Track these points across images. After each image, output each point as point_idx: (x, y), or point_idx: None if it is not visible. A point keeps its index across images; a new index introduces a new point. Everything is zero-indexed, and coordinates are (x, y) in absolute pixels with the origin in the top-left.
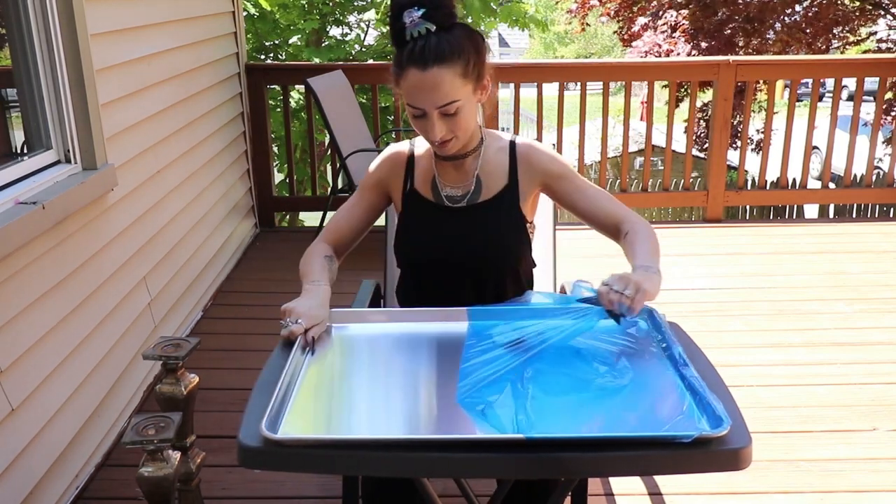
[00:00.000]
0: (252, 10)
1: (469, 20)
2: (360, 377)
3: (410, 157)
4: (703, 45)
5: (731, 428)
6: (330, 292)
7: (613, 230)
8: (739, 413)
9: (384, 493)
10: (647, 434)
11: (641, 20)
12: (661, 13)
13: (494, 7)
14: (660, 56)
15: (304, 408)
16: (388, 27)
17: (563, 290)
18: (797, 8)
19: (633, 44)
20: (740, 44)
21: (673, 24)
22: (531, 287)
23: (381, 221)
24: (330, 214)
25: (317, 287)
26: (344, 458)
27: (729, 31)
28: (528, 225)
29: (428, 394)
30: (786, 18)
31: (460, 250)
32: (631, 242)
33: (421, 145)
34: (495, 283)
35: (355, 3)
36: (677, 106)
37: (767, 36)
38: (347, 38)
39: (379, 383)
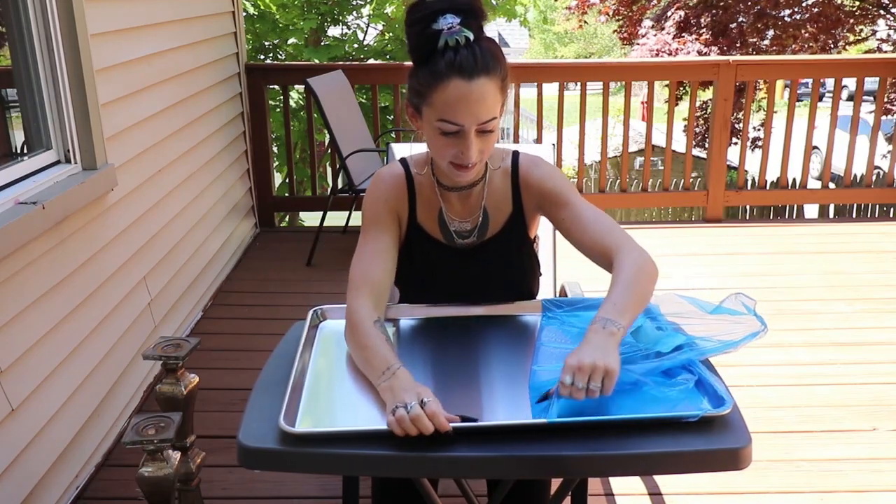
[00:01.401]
0: (251, 11)
1: None
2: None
3: (410, 183)
4: (713, 43)
5: (732, 407)
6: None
7: (605, 261)
8: (740, 413)
9: (394, 493)
10: (656, 415)
11: (648, 23)
12: (666, 13)
13: (494, 2)
14: (669, 55)
15: (316, 404)
16: (382, 24)
17: (563, 292)
18: (800, 7)
19: (641, 40)
20: (748, 41)
21: (681, 23)
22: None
23: None
24: (330, 215)
25: (402, 372)
26: (344, 459)
27: (736, 29)
28: (534, 245)
29: (441, 390)
30: (786, 18)
31: (473, 294)
32: (613, 277)
33: (417, 170)
34: None
35: (353, 3)
36: (676, 104)
37: (767, 34)
38: (346, 38)
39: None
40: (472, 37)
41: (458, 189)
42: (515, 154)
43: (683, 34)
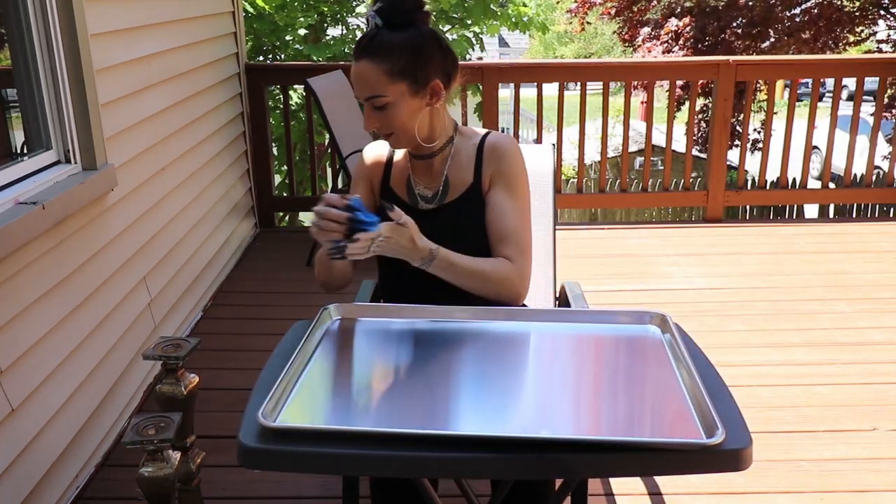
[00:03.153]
0: (250, 10)
1: (469, 22)
2: (366, 373)
3: (390, 155)
4: (705, 51)
5: (727, 433)
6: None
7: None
8: (740, 414)
9: (394, 492)
10: (646, 440)
11: (645, 30)
12: (663, 22)
13: (495, 9)
14: None
15: (306, 401)
16: None
17: (562, 292)
18: (797, 10)
19: (637, 54)
20: (742, 47)
21: (676, 32)
22: None
23: None
24: None
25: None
26: (343, 458)
27: (731, 37)
28: None
29: (432, 391)
30: (786, 22)
31: None
32: (481, 258)
33: None
34: None
35: (353, 3)
36: (678, 109)
37: (768, 40)
38: (345, 38)
39: (384, 379)
40: (381, 23)
41: (421, 157)
42: (488, 132)
43: (674, 49)
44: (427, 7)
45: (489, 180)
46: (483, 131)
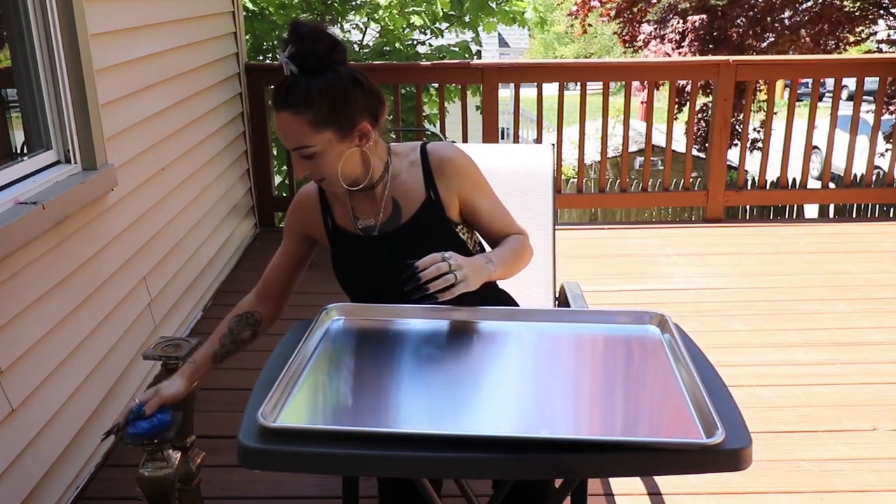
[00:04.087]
0: (250, 6)
1: (468, 19)
2: (366, 373)
3: (322, 196)
4: (712, 52)
5: (727, 433)
6: (188, 376)
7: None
8: (740, 414)
9: (399, 492)
10: (646, 439)
11: (647, 28)
12: (666, 19)
13: (493, 6)
14: None
15: (306, 401)
16: (379, 26)
17: (562, 292)
18: (799, 9)
19: (642, 53)
20: (747, 43)
21: (681, 30)
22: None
23: None
24: None
25: (179, 373)
26: (343, 458)
27: (732, 34)
28: (458, 228)
29: (432, 391)
30: (786, 21)
31: (393, 278)
32: (504, 240)
33: None
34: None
35: (351, 4)
36: (679, 111)
37: (768, 39)
38: (343, 38)
39: (384, 379)
40: (295, 70)
41: (360, 190)
42: (424, 145)
43: (683, 45)
44: (342, 46)
45: (457, 197)
46: (416, 144)
